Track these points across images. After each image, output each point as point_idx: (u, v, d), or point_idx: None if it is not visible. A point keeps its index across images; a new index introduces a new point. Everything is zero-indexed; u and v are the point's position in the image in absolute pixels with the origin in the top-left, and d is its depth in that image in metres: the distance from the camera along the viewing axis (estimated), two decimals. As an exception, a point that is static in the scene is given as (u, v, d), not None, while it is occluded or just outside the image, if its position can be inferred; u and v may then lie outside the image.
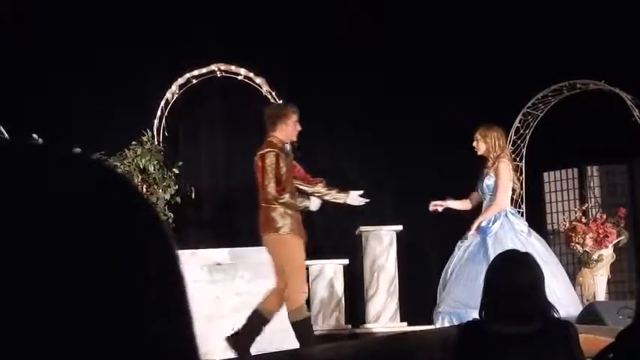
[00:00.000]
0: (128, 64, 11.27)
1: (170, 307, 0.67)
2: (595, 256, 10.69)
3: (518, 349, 3.84)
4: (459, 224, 12.02)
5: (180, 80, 11.12)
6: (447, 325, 8.07)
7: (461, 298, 8.13)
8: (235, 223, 11.77)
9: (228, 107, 12.27)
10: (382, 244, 10.28)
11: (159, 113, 11.17)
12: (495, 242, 8.28)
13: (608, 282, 10.92)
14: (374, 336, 8.56)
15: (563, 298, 8.13)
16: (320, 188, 8.50)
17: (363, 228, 10.42)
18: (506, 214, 8.50)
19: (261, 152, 8.22)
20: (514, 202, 10.28)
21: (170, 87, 11.16)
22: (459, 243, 8.72)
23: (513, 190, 8.69)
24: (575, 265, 11.48)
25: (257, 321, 8.07)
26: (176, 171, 10.50)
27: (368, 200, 8.66)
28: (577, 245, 10.80)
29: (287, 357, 6.97)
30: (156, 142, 10.79)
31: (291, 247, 8.14)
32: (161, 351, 0.65)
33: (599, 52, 11.14)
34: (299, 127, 8.39)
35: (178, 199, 10.51)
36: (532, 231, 8.61)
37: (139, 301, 0.64)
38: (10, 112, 10.03)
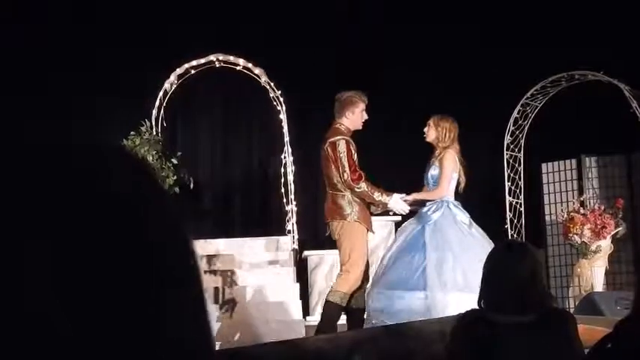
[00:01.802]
0: (126, 55, 11.26)
1: (190, 306, 0.67)
2: (593, 247, 10.71)
3: (516, 338, 3.86)
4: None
5: (179, 70, 11.11)
6: (376, 305, 8.05)
7: (393, 281, 8.12)
8: (234, 213, 11.78)
9: (227, 97, 12.27)
10: (381, 235, 10.28)
11: (157, 103, 11.17)
12: (435, 231, 8.25)
13: (606, 273, 10.94)
14: (373, 326, 8.56)
15: None
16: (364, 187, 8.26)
17: (361, 218, 10.41)
18: (448, 205, 8.45)
19: (332, 140, 8.19)
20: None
21: (169, 77, 11.15)
22: (399, 229, 8.69)
23: (459, 183, 8.62)
24: (573, 256, 11.50)
25: (332, 310, 8.05)
26: (175, 161, 10.50)
27: (409, 209, 8.55)
28: (575, 236, 10.81)
29: (286, 347, 6.98)
30: (154, 133, 10.79)
31: (357, 234, 8.15)
32: (180, 350, 0.65)
33: (597, 43, 11.14)
34: (365, 116, 8.36)
35: (177, 190, 10.51)
36: (474, 223, 8.56)
37: (161, 301, 0.65)
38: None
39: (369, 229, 8.35)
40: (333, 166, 8.20)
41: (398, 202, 8.35)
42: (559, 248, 12.01)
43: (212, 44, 11.24)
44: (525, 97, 11.69)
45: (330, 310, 8.05)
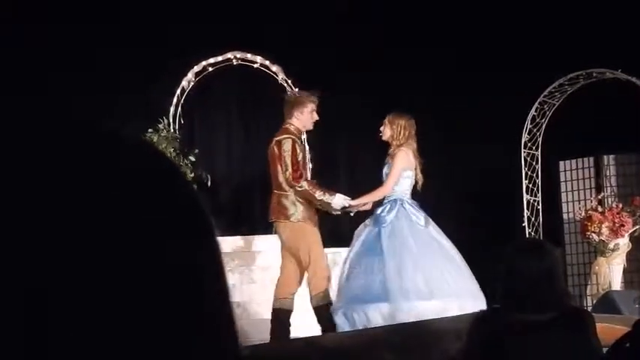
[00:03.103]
0: (145, 53, 11.28)
1: (219, 304, 0.68)
2: (611, 246, 10.68)
3: (535, 337, 3.85)
4: (474, 211, 12.02)
5: (197, 68, 11.12)
6: (341, 320, 7.95)
7: (358, 292, 8.03)
8: (251, 211, 11.78)
9: (244, 95, 12.28)
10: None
11: (175, 101, 11.19)
12: (391, 233, 8.15)
13: (624, 271, 10.91)
14: (388, 325, 8.55)
15: (461, 288, 8.03)
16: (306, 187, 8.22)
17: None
18: (402, 204, 8.36)
19: (278, 139, 8.20)
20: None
21: (186, 75, 11.17)
22: (355, 233, 8.60)
23: (416, 182, 8.53)
24: (590, 254, 11.47)
25: (322, 311, 8.02)
26: (192, 158, 10.52)
27: (352, 212, 8.52)
28: (593, 234, 10.78)
29: (303, 344, 6.99)
30: (172, 130, 10.81)
31: (301, 233, 8.12)
32: (205, 348, 0.66)
33: (615, 41, 11.10)
34: (316, 117, 8.37)
35: (195, 187, 10.52)
36: (430, 221, 8.46)
37: (184, 301, 0.65)
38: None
39: (316, 229, 8.25)
40: (278, 165, 8.18)
41: (340, 201, 8.31)
42: (577, 246, 11.98)
43: (230, 43, 11.24)
44: (543, 95, 11.66)
45: (321, 314, 8.00)
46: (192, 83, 11.25)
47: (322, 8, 11.86)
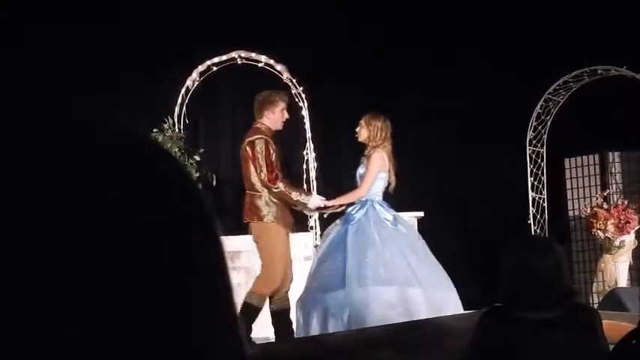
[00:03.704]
0: (149, 53, 11.28)
1: (216, 306, 0.67)
2: (616, 243, 10.68)
3: (541, 334, 3.84)
4: (479, 209, 12.02)
5: (201, 67, 11.12)
6: (305, 310, 8.04)
7: (319, 284, 8.09)
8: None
9: (249, 94, 12.27)
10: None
11: (179, 100, 11.19)
12: (358, 230, 8.19)
13: (630, 268, 10.91)
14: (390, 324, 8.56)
15: (426, 281, 8.05)
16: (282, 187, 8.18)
17: (384, 215, 10.41)
18: (372, 204, 8.38)
19: (250, 139, 8.12)
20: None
21: (191, 74, 11.17)
22: (325, 232, 8.62)
23: (389, 183, 8.54)
24: (596, 251, 11.46)
25: (247, 310, 7.94)
26: (197, 158, 10.52)
27: (327, 212, 8.51)
28: (598, 231, 10.78)
29: (308, 342, 6.99)
30: (177, 130, 10.81)
31: (274, 235, 8.07)
32: (208, 347, 0.66)
33: (620, 38, 11.09)
34: (286, 116, 8.31)
35: (199, 187, 10.52)
36: (399, 220, 8.48)
37: (188, 302, 0.65)
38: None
39: (289, 229, 8.23)
40: (251, 166, 8.12)
41: (317, 201, 8.28)
42: (582, 244, 11.97)
43: (235, 42, 11.24)
44: (548, 92, 11.65)
45: (247, 311, 7.88)
46: (196, 83, 11.26)
47: (323, 8, 11.85)
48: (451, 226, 11.96)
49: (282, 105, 8.25)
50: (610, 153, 12.08)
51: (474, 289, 10.25)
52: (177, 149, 10.38)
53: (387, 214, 8.35)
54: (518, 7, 11.79)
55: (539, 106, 11.69)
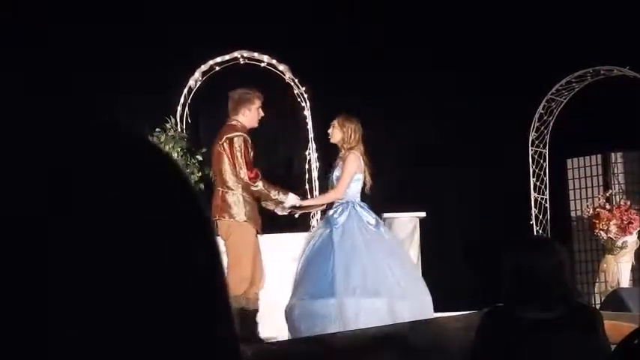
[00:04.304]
0: (151, 53, 11.29)
1: (214, 307, 0.67)
2: (619, 243, 10.67)
3: (542, 334, 3.84)
4: (482, 210, 12.01)
5: (204, 67, 11.13)
6: (293, 314, 8.02)
7: (309, 289, 8.07)
8: (258, 210, 11.77)
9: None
10: (405, 231, 10.26)
11: (182, 100, 11.19)
12: (343, 234, 8.18)
13: (632, 269, 10.90)
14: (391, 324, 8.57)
15: (408, 290, 8.06)
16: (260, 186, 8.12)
17: (386, 215, 10.41)
18: (354, 206, 8.37)
19: (228, 136, 8.05)
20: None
21: (193, 74, 11.17)
22: (308, 235, 8.60)
23: (364, 184, 8.52)
24: (598, 251, 11.45)
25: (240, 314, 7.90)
26: (200, 158, 10.52)
27: (299, 213, 8.50)
28: (601, 232, 10.78)
29: (311, 343, 6.99)
30: (179, 129, 10.82)
31: (243, 234, 8.00)
32: (205, 347, 0.66)
33: (623, 39, 11.08)
34: (261, 114, 8.28)
35: (202, 186, 10.53)
36: (381, 223, 8.49)
37: (187, 302, 0.65)
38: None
39: (258, 230, 8.17)
40: (227, 163, 8.04)
41: (293, 200, 8.26)
42: (585, 244, 11.97)
43: (237, 42, 11.25)
44: (550, 92, 11.65)
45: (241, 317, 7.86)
46: (199, 82, 11.26)
47: (324, 8, 11.86)
48: (453, 227, 11.96)
49: (257, 103, 8.22)
50: (613, 153, 12.08)
51: (475, 289, 10.26)
52: (179, 149, 10.39)
53: (369, 216, 8.36)
54: (521, 6, 11.78)
55: (541, 106, 11.69)
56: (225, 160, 8.06)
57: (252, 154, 8.07)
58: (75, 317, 0.60)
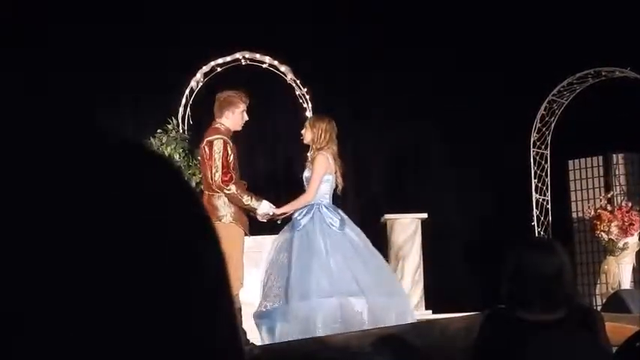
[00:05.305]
0: (153, 54, 11.30)
1: (218, 309, 0.68)
2: (620, 244, 10.67)
3: (543, 336, 3.84)
4: (484, 211, 12.01)
5: (205, 68, 11.13)
6: (257, 325, 8.01)
7: (279, 292, 8.05)
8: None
9: (253, 95, 12.27)
10: (407, 232, 10.27)
11: (184, 101, 11.19)
12: (303, 236, 8.13)
13: (634, 270, 10.89)
14: (391, 325, 8.56)
15: (370, 289, 8.01)
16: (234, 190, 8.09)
17: (387, 216, 10.42)
18: (319, 208, 8.33)
19: (209, 139, 8.03)
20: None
21: (195, 75, 11.17)
22: (274, 239, 8.58)
23: (336, 185, 8.48)
24: (600, 253, 11.45)
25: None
26: (201, 159, 10.51)
27: (278, 219, 8.47)
28: (602, 233, 10.77)
29: (311, 343, 7.00)
30: (181, 131, 10.82)
31: (232, 237, 7.93)
32: (208, 348, 0.66)
33: (624, 40, 11.08)
34: (246, 117, 8.25)
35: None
36: (347, 223, 8.40)
37: (191, 304, 0.65)
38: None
39: (246, 232, 8.17)
40: (207, 166, 8.05)
41: (266, 208, 8.23)
42: (586, 245, 11.96)
43: (239, 43, 11.25)
44: (552, 94, 11.65)
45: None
46: (200, 84, 11.26)
47: (325, 8, 11.86)
48: (454, 228, 11.96)
49: (242, 106, 8.19)
50: (614, 155, 12.07)
51: (477, 290, 10.26)
52: (181, 150, 10.39)
53: (334, 217, 8.28)
54: (523, 7, 11.78)
55: (543, 107, 11.69)
56: (206, 163, 8.07)
57: (231, 157, 8.02)
58: (76, 318, 0.60)
